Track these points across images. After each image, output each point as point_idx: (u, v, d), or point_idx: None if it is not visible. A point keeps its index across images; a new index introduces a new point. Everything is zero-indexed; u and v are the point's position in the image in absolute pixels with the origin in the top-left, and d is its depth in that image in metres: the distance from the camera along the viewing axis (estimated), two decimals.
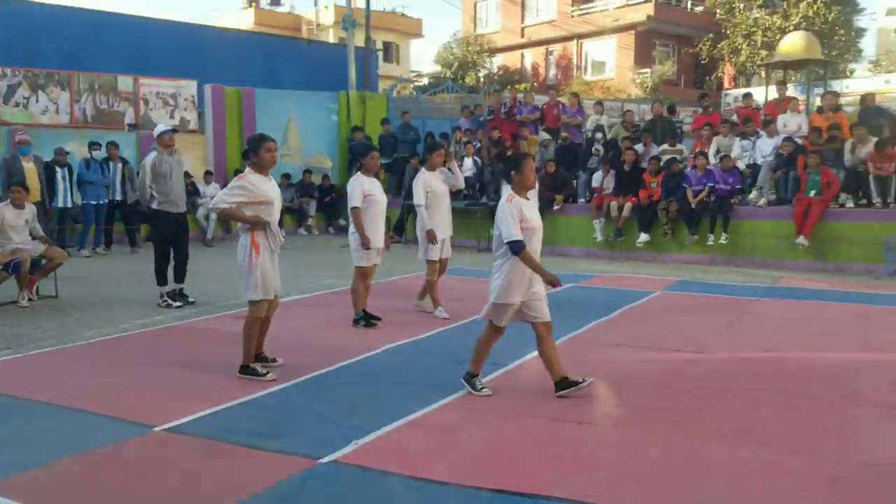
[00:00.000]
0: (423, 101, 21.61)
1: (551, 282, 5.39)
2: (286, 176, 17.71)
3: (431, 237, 8.38)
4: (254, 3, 47.45)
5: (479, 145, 16.67)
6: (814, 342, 7.34)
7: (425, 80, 35.84)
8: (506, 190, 5.61)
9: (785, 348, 7.10)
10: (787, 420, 5.09)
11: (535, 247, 5.43)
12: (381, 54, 33.51)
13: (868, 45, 32.83)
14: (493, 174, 15.40)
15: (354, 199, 7.81)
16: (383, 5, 46.39)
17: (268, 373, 6.10)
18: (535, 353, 6.77)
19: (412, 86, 27.76)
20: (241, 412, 5.29)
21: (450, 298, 9.00)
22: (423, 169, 8.62)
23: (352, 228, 7.91)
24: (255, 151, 6.10)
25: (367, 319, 8.03)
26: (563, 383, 5.53)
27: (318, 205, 18.39)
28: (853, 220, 12.19)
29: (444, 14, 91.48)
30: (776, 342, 7.32)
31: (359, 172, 8.07)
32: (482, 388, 5.61)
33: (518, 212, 5.31)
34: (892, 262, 11.31)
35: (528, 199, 5.51)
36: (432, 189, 8.41)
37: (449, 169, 8.65)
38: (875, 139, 12.20)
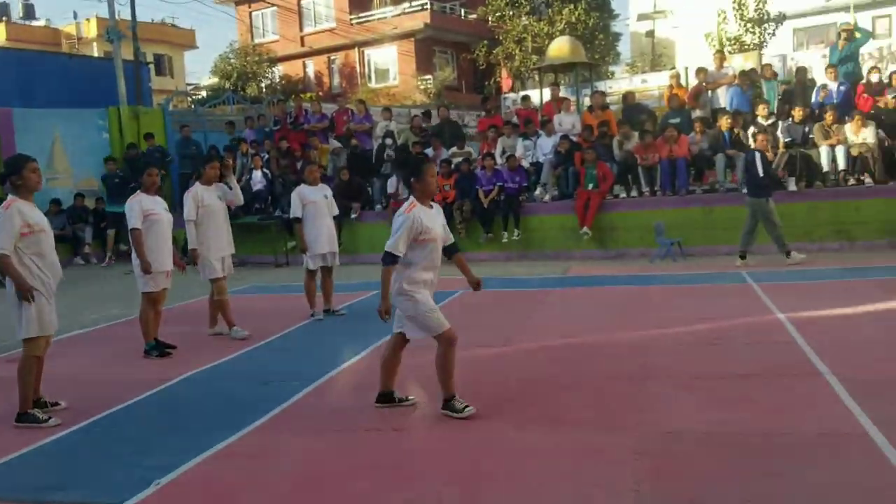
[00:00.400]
0: (203, 113, 20.66)
1: (382, 311, 5.14)
2: (55, 201, 16.17)
3: (195, 257, 7.94)
4: (3, 18, 43.04)
5: (266, 156, 16.17)
6: (605, 325, 7.79)
7: (204, 93, 34.38)
8: (408, 200, 5.14)
9: (581, 334, 7.47)
10: (591, 401, 5.32)
11: (435, 262, 5.12)
12: (152, 67, 31.57)
13: (624, 48, 35.99)
14: (284, 186, 14.98)
15: (133, 220, 7.20)
16: (151, 16, 43.94)
17: (50, 418, 5.44)
18: (342, 367, 6.66)
19: (189, 99, 26.43)
20: (24, 464, 4.70)
21: (250, 317, 8.63)
22: (196, 183, 8.15)
23: (134, 252, 7.30)
24: (18, 173, 5.42)
25: (159, 349, 7.44)
26: (386, 397, 5.40)
27: (94, 230, 16.92)
28: (627, 209, 13.19)
29: (217, 24, 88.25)
30: (573, 329, 7.68)
31: (138, 191, 7.47)
32: (466, 408, 5.05)
33: (417, 223, 4.93)
34: (662, 244, 12.35)
35: (430, 207, 5.14)
36: (204, 204, 7.95)
37: (227, 184, 8.24)
38: (636, 133, 13.29)
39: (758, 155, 10.72)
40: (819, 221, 12.15)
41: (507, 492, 3.90)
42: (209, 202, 7.99)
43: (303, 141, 16.29)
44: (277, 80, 36.19)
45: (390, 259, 4.96)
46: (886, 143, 12.27)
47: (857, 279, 9.30)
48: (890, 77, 13.59)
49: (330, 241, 9.02)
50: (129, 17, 22.86)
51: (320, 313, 9.01)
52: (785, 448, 4.22)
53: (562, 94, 16.83)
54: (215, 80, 36.29)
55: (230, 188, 8.27)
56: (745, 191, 11.30)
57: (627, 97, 15.64)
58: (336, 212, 9.29)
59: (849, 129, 12.24)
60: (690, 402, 5.15)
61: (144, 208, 7.25)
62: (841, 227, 12.13)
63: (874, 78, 13.51)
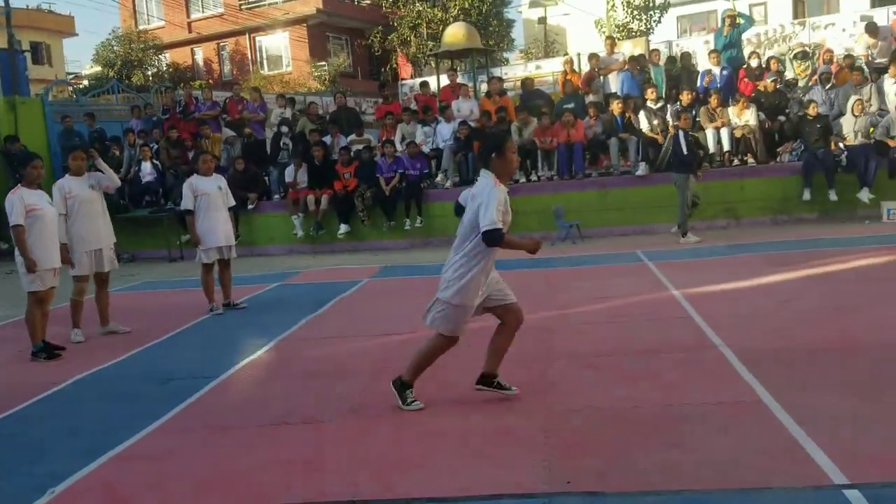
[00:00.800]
0: (86, 103, 19.63)
1: (534, 248, 4.78)
2: None
3: (63, 252, 7.32)
4: None
5: (156, 147, 15.54)
6: None
7: (86, 82, 32.70)
8: (484, 176, 4.67)
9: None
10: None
11: (496, 249, 4.69)
12: (29, 56, 29.75)
13: (517, 35, 36.44)
14: (176, 177, 14.43)
15: (15, 217, 6.77)
16: (27, 2, 41.34)
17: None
18: (245, 361, 6.48)
19: (71, 88, 25.07)
20: None
21: (144, 314, 8.30)
22: (66, 175, 7.71)
23: (17, 250, 6.86)
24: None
25: (48, 350, 7.05)
26: (488, 379, 5.03)
27: None
28: (527, 193, 13.37)
29: (98, 9, 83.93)
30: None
31: (19, 185, 7.02)
32: (413, 402, 4.90)
33: (505, 200, 4.54)
34: (562, 227, 12.61)
35: (507, 187, 4.73)
36: (73, 195, 7.52)
37: (97, 170, 7.79)
38: (535, 119, 13.49)
39: (681, 133, 11.19)
40: (707, 201, 12.65)
41: (420, 476, 3.89)
42: (78, 193, 7.56)
43: (193, 130, 15.75)
44: (165, 68, 34.79)
45: (497, 235, 4.47)
46: (767, 125, 12.91)
47: (745, 254, 9.77)
48: (768, 62, 14.30)
49: (226, 234, 8.75)
50: (1, 3, 21.43)
51: (220, 307, 8.74)
52: (685, 419, 4.39)
53: (459, 80, 16.90)
54: (98, 68, 34.55)
55: (103, 172, 7.82)
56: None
57: (526, 83, 15.84)
58: (232, 203, 9.01)
59: (732, 111, 12.81)
60: (595, 380, 5.28)
61: (27, 203, 6.83)
62: (728, 205, 12.71)
63: (754, 63, 14.19)
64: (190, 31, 35.75)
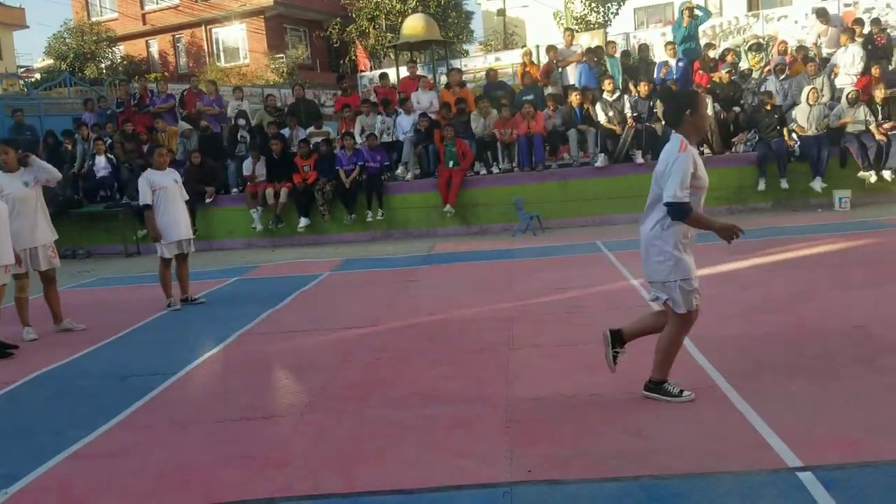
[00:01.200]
0: (37, 97, 19.17)
1: (731, 232, 4.28)
2: None
3: None
4: None
5: (110, 141, 15.23)
6: (472, 300, 7.89)
7: (38, 76, 31.90)
8: (673, 141, 4.30)
9: (449, 309, 7.54)
10: (462, 374, 5.38)
11: (697, 210, 4.28)
12: None
13: (477, 26, 36.46)
14: (131, 171, 14.16)
15: None
16: None
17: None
18: (205, 357, 6.40)
19: (22, 82, 24.44)
20: None
21: (101, 311, 8.14)
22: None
23: None
24: None
25: (0, 349, 6.87)
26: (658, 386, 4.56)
27: None
28: (488, 185, 13.41)
29: (50, 1, 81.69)
30: (440, 305, 7.74)
31: None
32: (682, 392, 4.47)
33: (693, 165, 4.17)
34: (523, 219, 12.67)
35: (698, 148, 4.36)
36: (5, 193, 7.26)
37: (29, 164, 7.54)
38: (495, 110, 13.52)
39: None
40: None
41: (383, 470, 3.87)
42: (10, 191, 7.32)
43: (149, 123, 15.47)
44: (119, 61, 34.11)
45: (684, 209, 4.14)
46: (722, 116, 13.10)
47: (702, 243, 9.83)
48: (723, 54, 14.51)
49: (185, 228, 8.62)
50: None
51: (178, 303, 8.62)
52: (644, 405, 4.45)
53: (419, 72, 16.85)
54: (50, 61, 33.72)
55: (41, 166, 7.62)
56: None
57: (490, 74, 15.87)
58: (186, 196, 8.86)
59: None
60: (556, 369, 5.31)
61: None
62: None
63: (711, 54, 14.38)
64: (144, 23, 35.10)
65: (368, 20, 28.65)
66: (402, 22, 21.82)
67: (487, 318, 7.04)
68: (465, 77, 16.87)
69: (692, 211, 4.15)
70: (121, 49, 34.73)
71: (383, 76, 16.70)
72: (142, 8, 35.19)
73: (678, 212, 4.15)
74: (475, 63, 20.84)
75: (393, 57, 21.71)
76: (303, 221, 13.59)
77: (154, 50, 35.58)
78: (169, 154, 9.27)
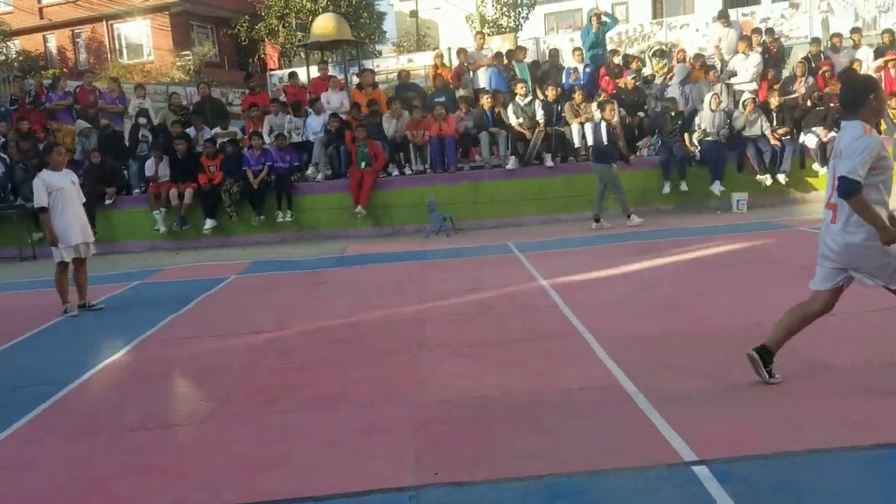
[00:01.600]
0: None
1: (890, 238, 4.05)
2: None
3: None
4: None
5: (4, 140, 14.44)
6: (383, 302, 7.85)
7: None
8: (853, 126, 4.19)
9: (360, 311, 7.46)
10: (372, 377, 5.33)
11: (884, 197, 4.15)
12: None
13: (389, 27, 36.37)
14: (27, 172, 13.44)
15: None
16: None
17: None
18: (102, 365, 6.14)
19: None
20: None
21: None
22: None
23: None
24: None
25: None
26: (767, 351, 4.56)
27: None
28: (401, 186, 13.38)
29: None
30: (351, 307, 7.65)
31: None
32: (777, 376, 4.52)
33: (879, 149, 4.05)
34: (436, 220, 12.69)
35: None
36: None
37: None
38: (406, 112, 13.50)
39: (602, 125, 11.57)
40: (574, 193, 13.11)
41: (287, 478, 3.79)
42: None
43: (45, 122, 14.73)
44: (14, 56, 32.38)
45: (855, 188, 4.00)
46: (627, 121, 13.46)
47: (610, 244, 10.16)
48: (628, 60, 14.91)
49: (83, 231, 8.26)
50: None
51: (75, 309, 8.24)
52: (550, 404, 4.50)
53: (330, 72, 16.67)
54: None
55: None
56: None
57: (402, 75, 15.82)
58: (83, 199, 8.49)
59: (595, 107, 13.25)
60: (466, 370, 5.32)
61: None
62: (593, 197, 13.13)
63: (617, 60, 14.76)
64: (41, 17, 33.45)
65: (278, 18, 28.16)
66: (312, 21, 21.53)
67: (399, 320, 7.00)
68: (377, 78, 16.79)
69: (861, 192, 4.03)
70: (16, 44, 32.96)
71: (293, 75, 16.43)
72: (39, 1, 33.55)
73: (848, 189, 4.03)
74: (388, 64, 20.80)
75: (304, 56, 21.40)
76: (209, 223, 13.23)
77: (52, 45, 33.96)
78: (67, 153, 8.87)
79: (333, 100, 14.44)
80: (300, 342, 6.48)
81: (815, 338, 5.38)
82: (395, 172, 13.61)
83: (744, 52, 13.66)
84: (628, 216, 11.77)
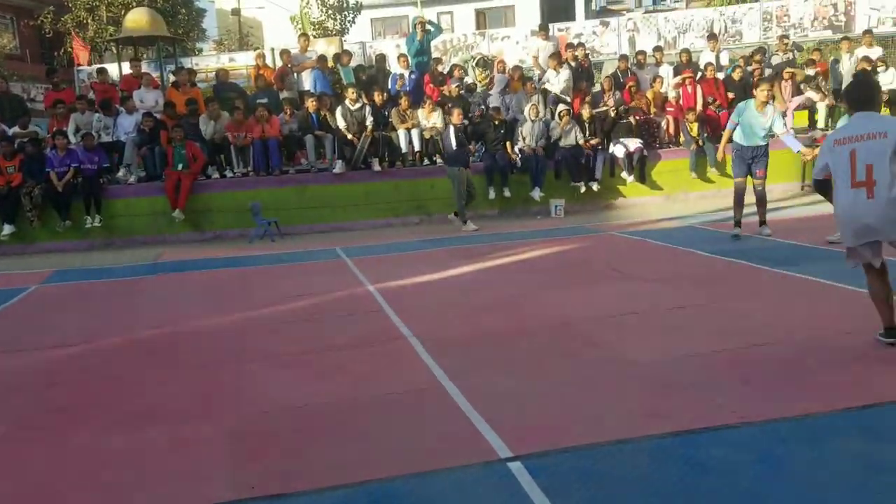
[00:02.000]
0: None
1: None
2: None
3: None
4: None
5: None
6: (202, 311, 7.52)
7: None
8: (871, 115, 4.92)
9: (175, 321, 7.10)
10: (186, 392, 5.08)
11: None
12: None
13: (210, 25, 35.07)
14: None
15: None
16: None
17: None
18: None
19: None
20: None
21: None
22: None
23: None
24: None
25: None
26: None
27: None
28: (222, 189, 12.89)
29: None
30: (166, 317, 7.28)
31: None
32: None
33: None
34: (260, 224, 12.34)
35: None
36: None
37: None
38: (226, 112, 13.04)
39: (451, 129, 11.75)
40: (402, 198, 13.23)
41: (85, 503, 3.52)
42: None
43: None
44: None
45: None
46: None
47: (435, 249, 10.33)
48: (452, 69, 15.27)
49: None
50: None
51: None
52: (372, 410, 4.49)
53: (144, 69, 15.80)
54: None
55: None
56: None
57: (220, 73, 15.23)
58: None
59: (421, 113, 13.46)
60: (288, 379, 5.20)
61: None
62: (419, 202, 13.35)
63: (439, 68, 15.05)
64: None
65: (87, 10, 26.32)
66: (125, 15, 20.30)
67: (218, 330, 6.73)
68: (198, 77, 16.11)
69: None
70: None
71: (101, 71, 15.43)
72: None
73: None
74: (208, 62, 20.00)
75: (115, 51, 20.12)
76: (6, 229, 12.09)
77: None
78: None
79: (147, 98, 13.69)
80: (107, 356, 6.07)
81: (619, 334, 5.75)
82: (216, 175, 13.10)
83: (554, 69, 14.35)
84: (464, 222, 12.02)
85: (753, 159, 9.39)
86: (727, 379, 4.64)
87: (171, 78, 15.74)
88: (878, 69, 14.08)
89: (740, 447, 3.68)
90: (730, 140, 9.60)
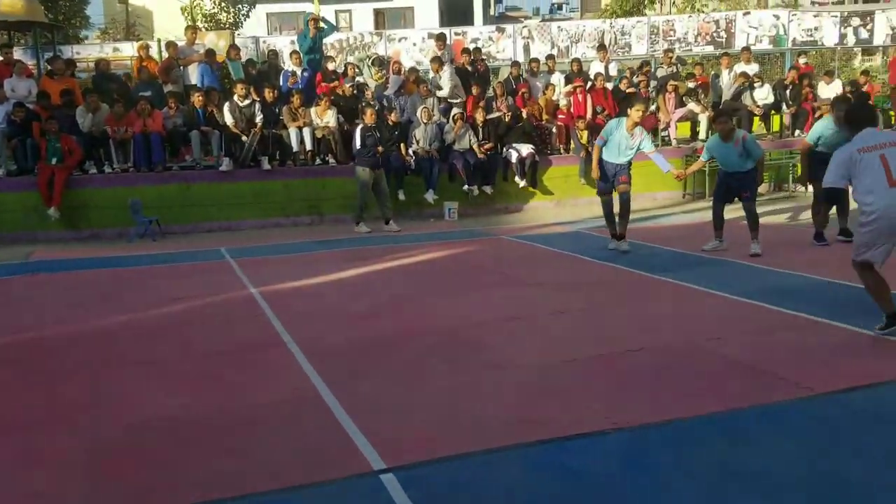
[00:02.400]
0: None
1: None
2: None
3: None
4: None
5: None
6: (72, 314, 7.11)
7: None
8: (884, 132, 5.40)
9: (40, 326, 6.67)
10: (44, 403, 4.75)
11: None
12: None
13: (96, 13, 33.45)
14: None
15: None
16: None
17: None
18: None
19: None
20: None
21: None
22: None
23: None
24: None
25: None
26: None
27: None
28: (100, 185, 12.25)
29: None
30: (31, 321, 6.84)
31: None
32: None
33: None
34: (140, 223, 11.80)
35: None
36: None
37: None
38: (105, 105, 12.41)
39: (358, 129, 11.62)
40: (293, 198, 12.94)
41: None
42: None
43: None
44: None
45: None
46: (345, 127, 13.57)
47: (325, 251, 10.13)
48: (346, 67, 15.08)
49: None
50: None
51: None
52: (246, 421, 4.31)
53: (19, 56, 14.85)
54: None
55: None
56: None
57: (101, 64, 14.46)
58: None
59: (314, 112, 13.22)
60: (157, 389, 4.94)
61: None
62: (312, 202, 13.09)
63: (331, 66, 14.83)
64: None
65: None
66: None
67: (87, 335, 6.36)
68: (79, 67, 15.29)
69: None
70: None
71: None
72: None
73: None
74: (90, 51, 19.02)
75: None
76: None
77: None
78: None
79: (19, 87, 12.87)
80: None
81: (502, 339, 5.78)
82: (93, 170, 12.44)
83: (435, 71, 14.41)
84: (357, 223, 11.85)
85: (615, 175, 9.22)
86: (604, 384, 4.73)
87: (47, 67, 14.85)
88: (755, 84, 14.85)
89: (611, 454, 3.73)
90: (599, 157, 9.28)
